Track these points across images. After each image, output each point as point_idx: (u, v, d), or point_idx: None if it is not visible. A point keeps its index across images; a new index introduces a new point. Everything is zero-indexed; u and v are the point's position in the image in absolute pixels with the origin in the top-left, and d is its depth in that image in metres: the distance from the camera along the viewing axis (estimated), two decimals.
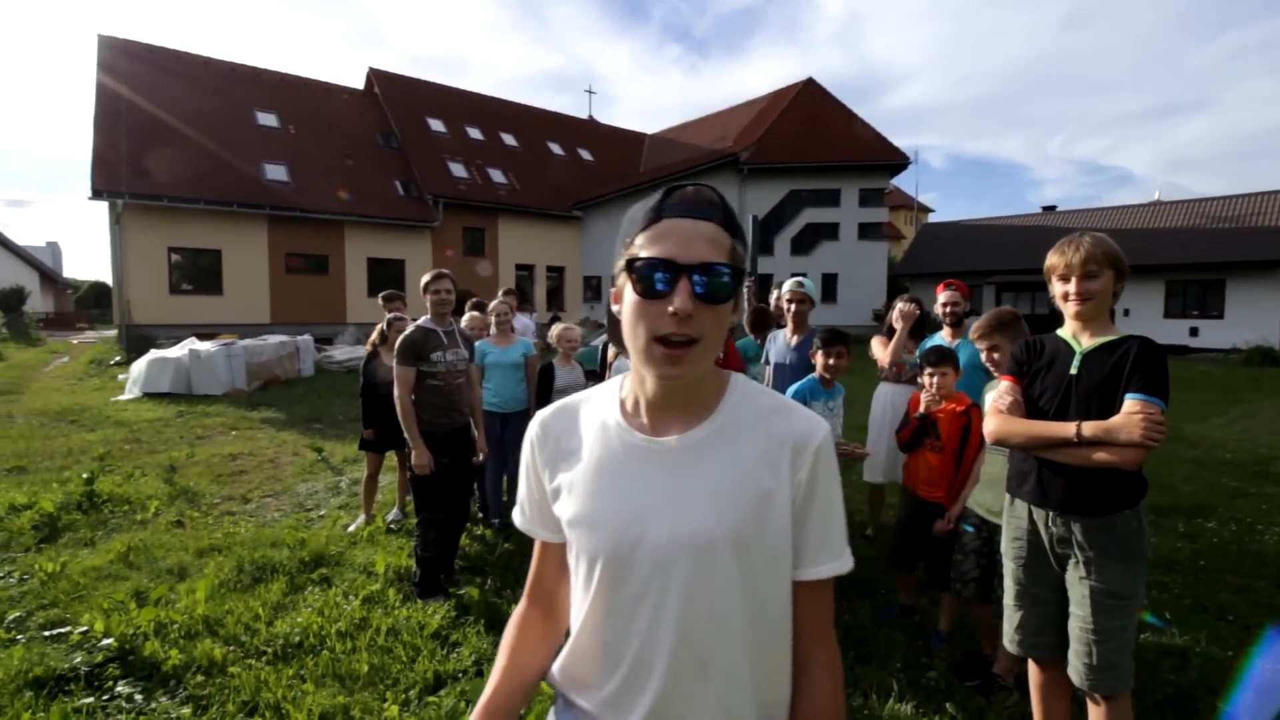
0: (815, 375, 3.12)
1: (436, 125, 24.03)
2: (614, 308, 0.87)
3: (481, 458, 3.85)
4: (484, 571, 3.75)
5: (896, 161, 24.00)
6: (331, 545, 4.11)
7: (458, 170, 22.54)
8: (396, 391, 3.36)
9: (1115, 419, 1.76)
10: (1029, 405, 2.00)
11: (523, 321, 6.86)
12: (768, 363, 3.82)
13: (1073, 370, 1.91)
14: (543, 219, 23.49)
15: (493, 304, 4.72)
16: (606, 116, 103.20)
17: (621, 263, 0.82)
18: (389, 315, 4.62)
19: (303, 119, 21.28)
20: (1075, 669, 1.90)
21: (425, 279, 3.49)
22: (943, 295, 3.58)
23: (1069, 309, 1.92)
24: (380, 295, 5.11)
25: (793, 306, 3.51)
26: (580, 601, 0.90)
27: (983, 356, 2.71)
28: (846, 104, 25.87)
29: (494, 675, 0.95)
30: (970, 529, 2.67)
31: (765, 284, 8.43)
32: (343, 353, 14.80)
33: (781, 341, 3.66)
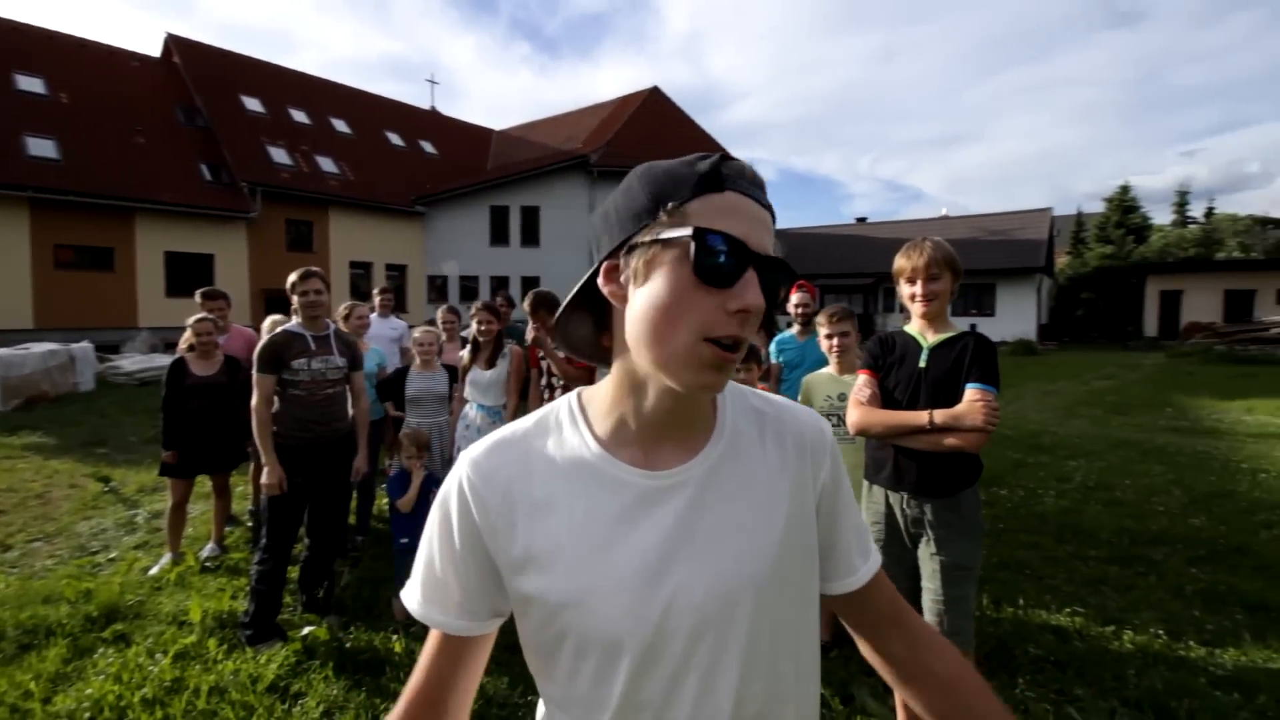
0: None
1: (253, 104, 21.39)
2: (605, 289, 0.65)
3: (358, 478, 3.48)
4: (330, 607, 3.33)
5: None
6: (128, 594, 3.43)
7: (279, 156, 20.25)
8: (253, 400, 3.07)
9: (960, 407, 1.95)
10: (884, 396, 2.15)
11: (396, 325, 5.41)
12: None
13: (922, 364, 2.08)
14: (381, 213, 21.81)
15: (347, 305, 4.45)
16: (452, 110, 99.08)
17: (680, 232, 0.59)
18: (192, 317, 3.99)
19: (79, 87, 17.90)
20: None
21: (292, 278, 3.20)
22: (795, 296, 3.84)
23: (916, 309, 2.10)
24: (198, 292, 4.38)
25: None
26: (586, 706, 0.67)
27: (828, 344, 2.89)
28: (690, 114, 27.08)
29: None
30: None
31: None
32: (133, 362, 12.61)
33: None
